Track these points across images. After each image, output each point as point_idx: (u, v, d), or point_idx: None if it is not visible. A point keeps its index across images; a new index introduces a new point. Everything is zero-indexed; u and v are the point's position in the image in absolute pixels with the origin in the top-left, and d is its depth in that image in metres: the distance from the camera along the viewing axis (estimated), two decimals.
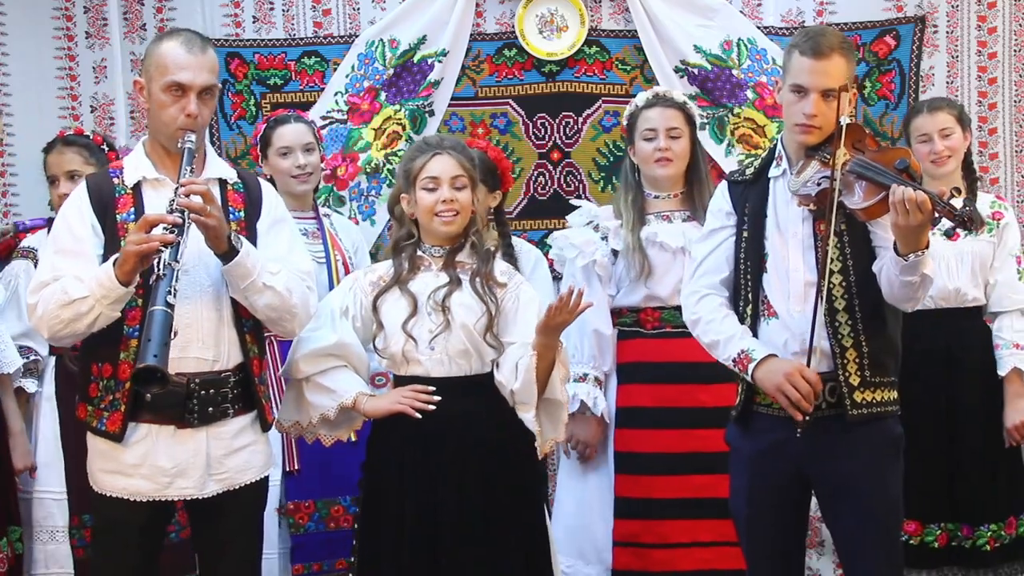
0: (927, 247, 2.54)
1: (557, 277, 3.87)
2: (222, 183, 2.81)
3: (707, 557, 3.40)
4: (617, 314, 3.61)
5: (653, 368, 3.50)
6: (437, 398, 2.84)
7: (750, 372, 2.75)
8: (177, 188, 2.60)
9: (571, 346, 3.55)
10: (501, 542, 2.84)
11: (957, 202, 2.47)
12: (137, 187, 2.75)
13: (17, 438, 3.46)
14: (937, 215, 2.45)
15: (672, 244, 3.51)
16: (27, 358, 3.55)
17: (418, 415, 2.83)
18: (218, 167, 2.85)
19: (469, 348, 2.87)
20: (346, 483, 3.54)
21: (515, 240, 3.67)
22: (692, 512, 3.41)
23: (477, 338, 2.87)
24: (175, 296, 2.47)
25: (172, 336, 2.44)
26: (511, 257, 3.59)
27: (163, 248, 2.50)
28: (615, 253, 3.58)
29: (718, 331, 2.84)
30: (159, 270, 2.49)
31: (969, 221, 2.42)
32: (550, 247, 3.82)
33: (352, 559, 2.99)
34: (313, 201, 3.83)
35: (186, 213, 2.56)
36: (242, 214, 2.82)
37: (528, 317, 2.86)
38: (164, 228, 2.54)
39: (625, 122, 3.71)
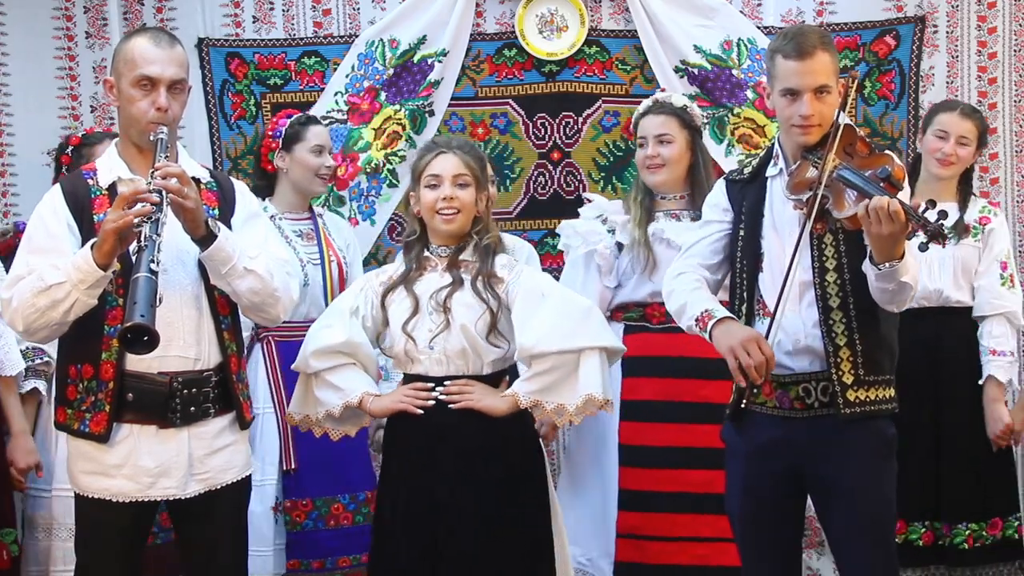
0: (902, 257, 2.52)
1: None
2: (195, 182, 2.78)
3: (704, 552, 3.41)
4: (623, 309, 3.62)
5: (658, 362, 3.51)
6: (436, 392, 2.87)
7: (709, 329, 2.75)
8: (152, 172, 2.59)
9: None
10: (500, 541, 2.84)
11: (931, 215, 2.43)
12: (112, 188, 2.75)
13: (19, 438, 3.45)
14: (912, 228, 2.43)
15: (678, 241, 3.51)
16: (40, 359, 3.55)
17: (420, 411, 2.86)
18: (190, 166, 2.83)
19: (467, 348, 2.88)
20: (346, 481, 3.57)
21: (505, 237, 3.68)
22: (692, 507, 3.41)
23: (476, 338, 2.88)
24: (158, 265, 2.45)
25: (158, 303, 2.42)
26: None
27: (143, 223, 2.49)
28: (620, 247, 3.60)
29: (686, 296, 2.84)
30: (140, 242, 2.47)
31: (941, 236, 2.39)
32: (558, 238, 3.85)
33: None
34: (309, 203, 3.84)
35: (164, 194, 2.55)
36: (216, 212, 2.81)
37: (531, 301, 2.88)
38: (141, 206, 2.52)
39: (632, 128, 3.75)
